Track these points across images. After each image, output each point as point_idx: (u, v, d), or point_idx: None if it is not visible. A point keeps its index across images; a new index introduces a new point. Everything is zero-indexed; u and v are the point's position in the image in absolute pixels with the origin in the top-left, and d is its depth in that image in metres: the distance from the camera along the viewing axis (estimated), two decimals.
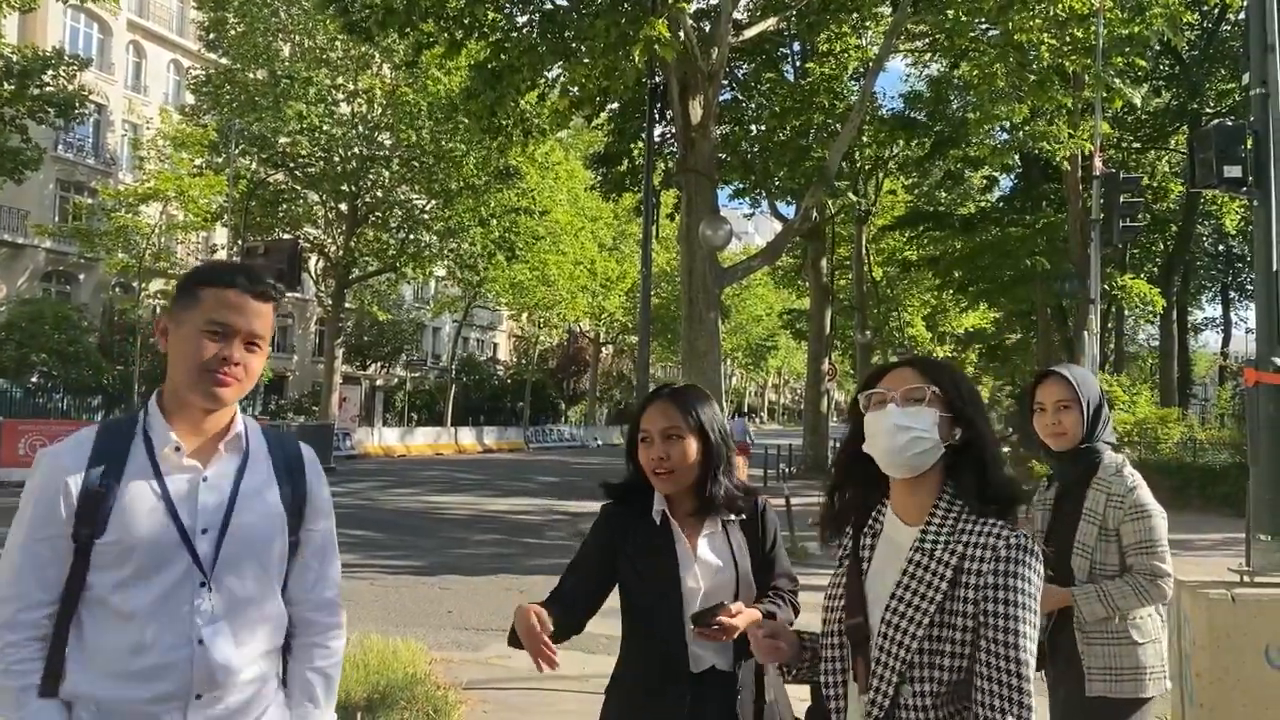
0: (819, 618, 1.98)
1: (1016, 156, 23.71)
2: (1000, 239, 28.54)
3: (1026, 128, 20.74)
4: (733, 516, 2.52)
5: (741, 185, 23.04)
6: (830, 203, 24.26)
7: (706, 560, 2.46)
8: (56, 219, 36.51)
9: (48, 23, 34.65)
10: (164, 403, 1.92)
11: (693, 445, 2.45)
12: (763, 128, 20.43)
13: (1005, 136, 22.88)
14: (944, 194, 35.70)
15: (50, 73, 24.04)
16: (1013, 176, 31.89)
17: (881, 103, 25.46)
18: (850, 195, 22.87)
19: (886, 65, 16.69)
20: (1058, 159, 23.54)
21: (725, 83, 18.62)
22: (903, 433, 1.84)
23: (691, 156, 15.54)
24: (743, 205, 27.46)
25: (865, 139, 22.08)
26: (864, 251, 33.82)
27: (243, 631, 1.91)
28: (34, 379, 32.23)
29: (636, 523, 2.49)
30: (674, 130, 17.50)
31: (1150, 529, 3.06)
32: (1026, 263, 26.98)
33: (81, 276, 38.46)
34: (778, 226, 21.36)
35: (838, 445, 2.16)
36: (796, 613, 2.57)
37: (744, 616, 2.35)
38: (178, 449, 1.88)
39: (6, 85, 23.30)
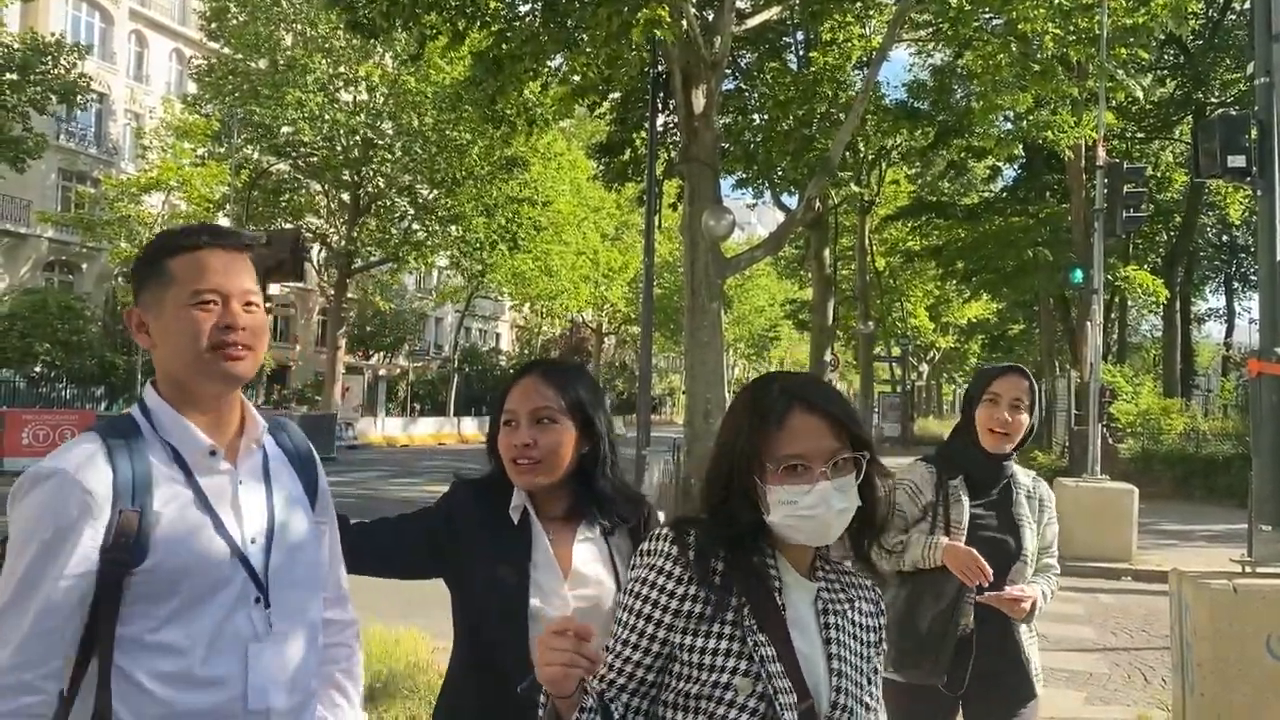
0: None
1: (1020, 146, 23.61)
2: (1003, 229, 28.49)
3: (1030, 117, 20.67)
4: (615, 522, 2.09)
5: (744, 175, 22.98)
6: (833, 193, 24.21)
7: (580, 573, 2.01)
8: (59, 208, 36.50)
9: (49, 11, 34.57)
10: (167, 399, 1.66)
11: (569, 432, 2.02)
12: (765, 117, 20.36)
13: (1009, 126, 22.80)
14: (947, 184, 35.63)
15: (52, 61, 24.01)
16: (1016, 166, 31.82)
17: (885, 92, 25.31)
18: (853, 186, 22.79)
19: (890, 55, 16.65)
20: (1061, 149, 23.46)
21: (728, 72, 18.55)
22: (844, 515, 1.60)
23: (694, 146, 15.49)
24: (745, 195, 27.37)
25: (868, 129, 22.00)
26: (867, 242, 33.80)
27: (296, 647, 1.71)
28: (37, 369, 32.27)
29: (487, 520, 2.03)
30: (676, 120, 17.45)
31: (1058, 530, 3.18)
32: (1029, 253, 26.92)
33: (84, 266, 38.47)
34: (780, 217, 21.34)
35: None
36: None
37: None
38: (213, 453, 1.65)
39: (8, 74, 23.27)
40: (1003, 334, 49.35)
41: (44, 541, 1.50)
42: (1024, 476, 3.13)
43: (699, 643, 1.56)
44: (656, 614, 1.57)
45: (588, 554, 2.04)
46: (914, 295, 46.33)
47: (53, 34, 26.17)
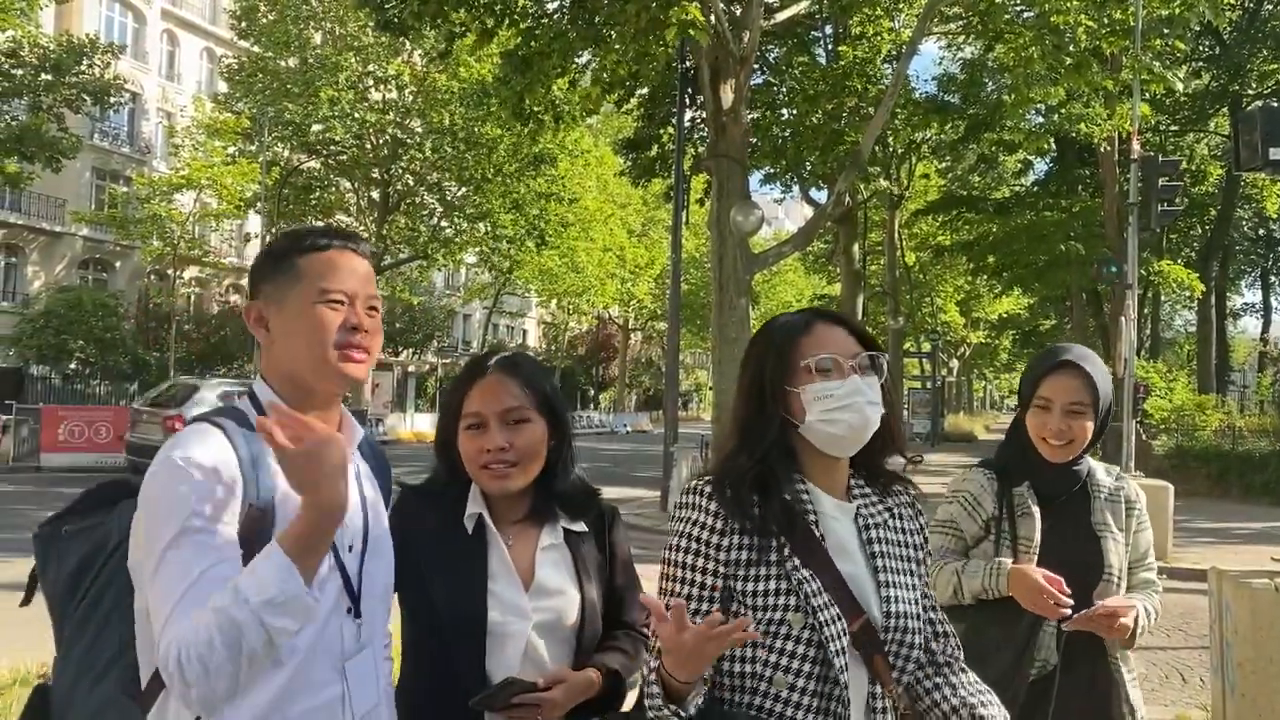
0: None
1: (1052, 140, 23.37)
2: (1035, 223, 28.24)
3: (1062, 110, 20.44)
4: (578, 526, 1.95)
5: (772, 170, 22.88)
6: (862, 187, 24.05)
7: (543, 583, 1.87)
8: (93, 207, 36.96)
9: (83, 12, 34.98)
10: (281, 396, 1.60)
11: (541, 430, 1.90)
12: (794, 112, 20.26)
13: (1041, 120, 22.56)
14: (978, 178, 35.33)
15: (85, 61, 24.27)
16: (1048, 160, 31.51)
17: (915, 86, 25.17)
18: (883, 180, 22.63)
19: (920, 48, 16.50)
20: (1094, 142, 23.20)
21: (756, 67, 18.47)
22: (876, 408, 1.68)
23: (722, 141, 15.44)
24: (773, 190, 27.25)
25: (898, 123, 21.82)
26: (896, 237, 33.57)
27: (382, 660, 1.69)
28: (72, 366, 32.71)
29: (439, 529, 1.88)
30: (704, 115, 17.39)
31: (1151, 539, 2.66)
32: (1061, 247, 26.67)
33: (118, 264, 38.95)
34: (808, 212, 21.22)
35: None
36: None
37: (565, 688, 1.80)
38: None
39: (44, 75, 23.55)
40: (1034, 329, 48.95)
41: (194, 528, 1.43)
42: (1104, 475, 2.61)
43: (750, 586, 1.62)
44: (709, 564, 1.64)
45: (550, 562, 1.90)
46: (944, 290, 46.02)
47: (86, 34, 26.46)
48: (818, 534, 1.65)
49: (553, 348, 54.59)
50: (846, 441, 1.68)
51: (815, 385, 1.66)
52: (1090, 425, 2.47)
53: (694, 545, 1.65)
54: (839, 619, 1.60)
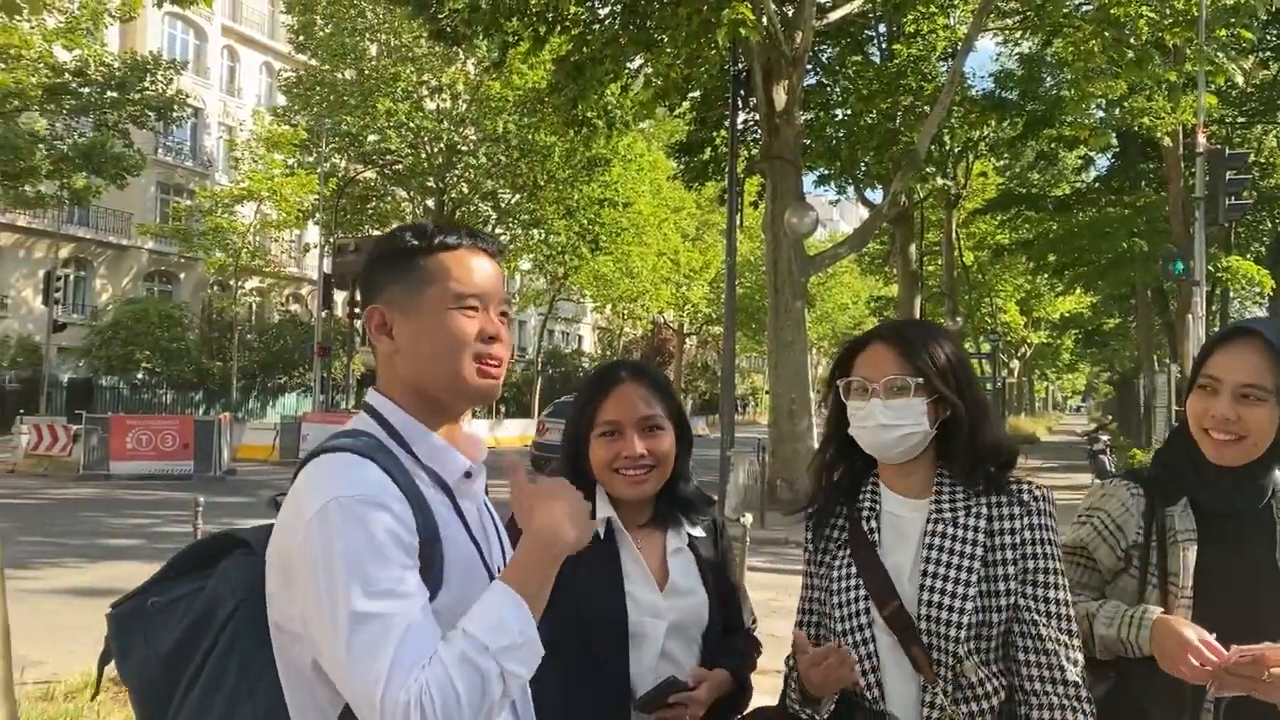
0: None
1: (1113, 135, 22.88)
2: (1097, 220, 27.65)
3: (1124, 105, 19.99)
4: (698, 530, 2.06)
5: (826, 171, 22.70)
6: (918, 187, 23.77)
7: (676, 583, 1.95)
8: (158, 220, 37.86)
9: (146, 30, 35.86)
10: (409, 411, 1.45)
11: (672, 437, 2.01)
12: (848, 112, 20.08)
13: (1101, 114, 22.09)
14: (1037, 175, 34.69)
15: (149, 78, 24.84)
16: (1109, 155, 30.84)
17: (971, 83, 24.80)
18: (940, 179, 22.33)
19: (976, 44, 16.24)
20: (1158, 136, 22.66)
21: (809, 67, 18.35)
22: (889, 430, 1.80)
23: (776, 143, 15.35)
24: (828, 192, 27.10)
25: (954, 121, 21.53)
26: (954, 236, 33.09)
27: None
28: (139, 376, 33.54)
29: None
30: (757, 117, 17.30)
31: None
32: (1125, 244, 26.07)
33: (182, 275, 39.84)
34: (863, 213, 21.03)
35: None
36: (759, 653, 2.12)
37: (708, 686, 1.89)
38: (468, 474, 1.48)
39: (109, 92, 24.14)
40: (1097, 328, 47.98)
41: (385, 575, 1.25)
42: None
43: (828, 572, 1.88)
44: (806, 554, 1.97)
45: (680, 563, 2.00)
46: (1003, 290, 45.29)
47: (150, 52, 27.10)
48: (866, 528, 1.84)
49: (608, 353, 54.69)
50: (875, 453, 1.85)
51: (849, 403, 1.86)
52: (1267, 414, 1.85)
53: (807, 534, 1.97)
54: (865, 603, 1.78)
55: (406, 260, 1.46)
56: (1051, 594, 1.75)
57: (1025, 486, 1.81)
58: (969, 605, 1.73)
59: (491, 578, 1.38)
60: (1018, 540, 1.78)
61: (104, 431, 19.10)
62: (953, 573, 1.76)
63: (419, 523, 1.31)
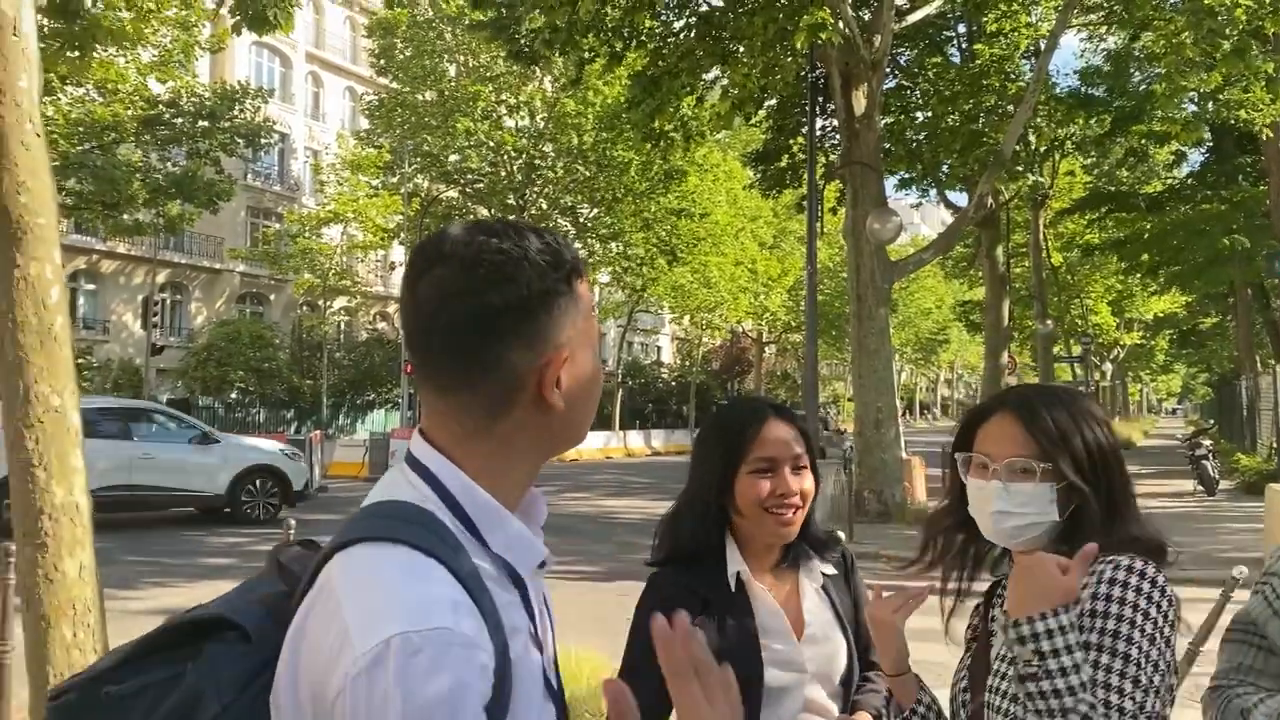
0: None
1: (1207, 129, 22.08)
2: (1192, 217, 26.70)
3: (1219, 97, 19.28)
4: (829, 569, 1.97)
5: (907, 175, 22.37)
6: (1004, 188, 23.27)
7: (814, 633, 1.87)
8: (248, 244, 39.03)
9: (234, 60, 37.04)
10: (505, 478, 1.07)
11: (812, 477, 1.93)
12: (929, 114, 19.77)
13: (1194, 108, 21.36)
14: (1126, 173, 33.70)
15: (238, 107, 25.60)
16: (1203, 150, 29.79)
17: (1056, 80, 24.22)
18: (1029, 177, 21.81)
19: (1060, 41, 15.82)
20: (1255, 129, 21.81)
21: (888, 71, 18.11)
22: (1007, 518, 1.57)
23: (855, 148, 15.16)
24: (909, 195, 26.62)
25: (1040, 120, 21.01)
26: (1041, 237, 32.29)
27: None
28: (233, 395, 34.55)
29: (702, 591, 1.82)
30: (835, 123, 17.12)
31: None
32: (1224, 241, 25.13)
33: (272, 297, 40.95)
34: (945, 216, 20.64)
35: None
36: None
37: None
38: (542, 564, 1.12)
39: (200, 121, 24.93)
40: (1193, 328, 46.42)
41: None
42: None
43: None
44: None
45: (816, 609, 1.90)
46: (1094, 291, 44.07)
47: (238, 81, 27.96)
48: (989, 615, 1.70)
49: (687, 363, 54.61)
50: (992, 539, 1.65)
51: (969, 480, 1.65)
52: None
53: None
54: (965, 695, 1.66)
55: (560, 285, 1.07)
56: (1107, 678, 1.40)
57: (1113, 558, 1.49)
58: (1008, 705, 1.52)
59: (550, 687, 1.06)
60: (1081, 609, 1.47)
61: None
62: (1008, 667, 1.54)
63: (494, 649, 0.94)
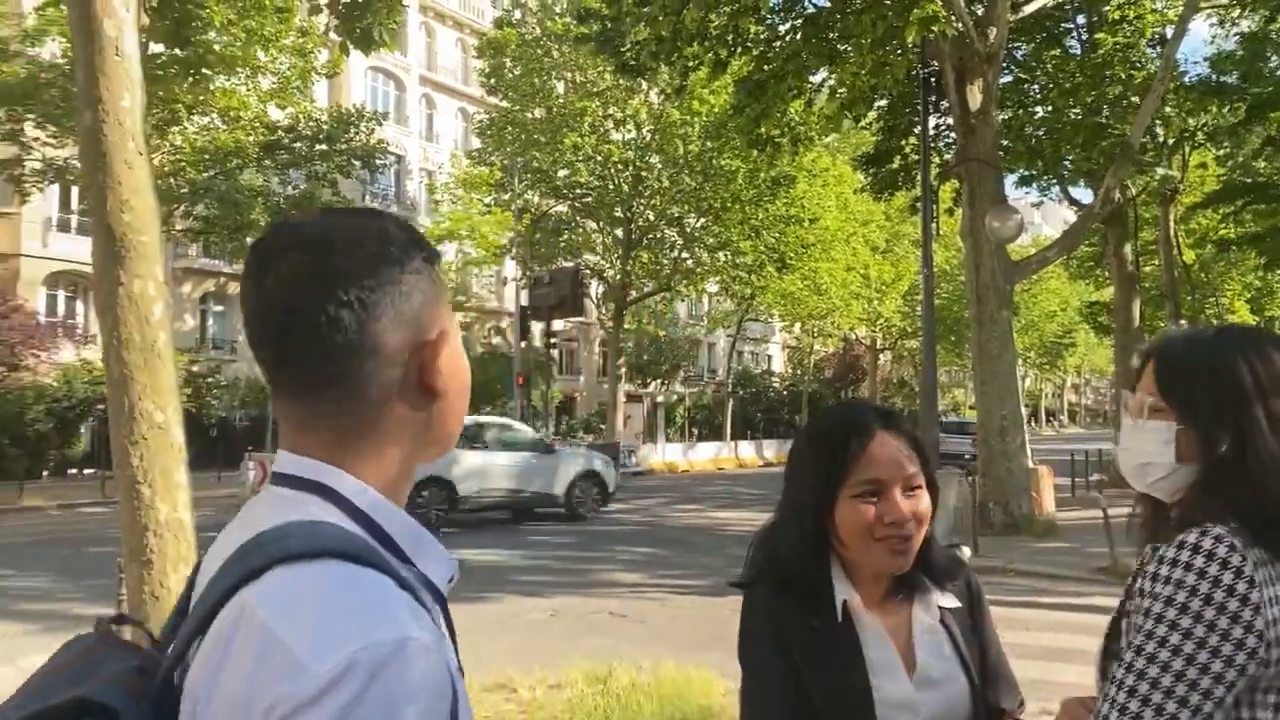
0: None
1: None
2: None
3: None
4: (950, 600, 1.68)
5: (1027, 172, 21.56)
6: (1131, 182, 22.23)
7: (929, 674, 1.60)
8: None
9: (350, 84, 38.23)
10: (396, 484, 0.96)
11: (928, 497, 1.64)
12: (1049, 108, 19.00)
13: None
14: (1264, 163, 31.87)
15: (354, 130, 26.35)
16: None
17: (1184, 69, 23.02)
18: (1159, 170, 20.76)
19: (1189, 27, 15.00)
20: None
21: (1004, 66, 17.49)
22: (1129, 455, 1.49)
23: (972, 145, 14.63)
24: (1029, 194, 25.69)
25: (1169, 110, 20.00)
26: (1172, 233, 30.75)
27: None
28: None
29: (806, 620, 1.58)
30: (949, 121, 16.59)
31: None
32: None
33: None
34: (1068, 214, 19.78)
35: None
36: None
37: None
38: (451, 578, 0.99)
39: (318, 145, 25.73)
40: None
41: None
42: None
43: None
44: None
45: (932, 646, 1.62)
46: (1231, 289, 41.86)
47: (354, 105, 28.79)
48: None
49: (798, 372, 53.92)
50: (1126, 476, 1.57)
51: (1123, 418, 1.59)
52: None
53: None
54: None
55: (432, 265, 0.98)
56: (1121, 678, 1.25)
57: (1190, 536, 1.29)
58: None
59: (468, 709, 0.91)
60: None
61: None
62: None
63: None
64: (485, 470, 16.52)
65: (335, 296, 0.88)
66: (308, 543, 0.83)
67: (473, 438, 16.70)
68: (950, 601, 1.66)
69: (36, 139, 21.95)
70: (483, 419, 19.19)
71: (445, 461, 15.24)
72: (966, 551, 5.24)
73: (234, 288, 36.46)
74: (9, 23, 22.20)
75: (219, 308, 36.63)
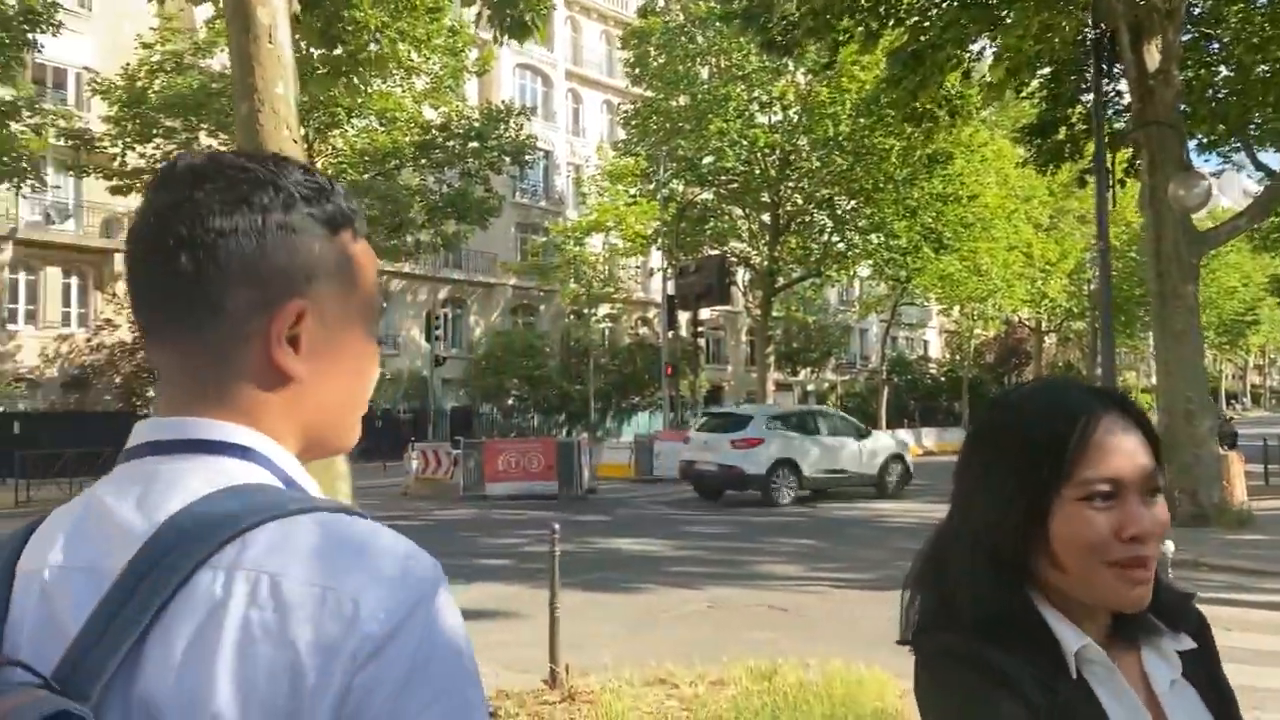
0: None
1: None
2: None
3: None
4: (1185, 643, 1.22)
5: (1207, 138, 20.01)
6: None
7: None
8: (518, 258, 40.96)
9: (499, 81, 38.97)
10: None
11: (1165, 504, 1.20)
12: (1234, 65, 17.56)
13: None
14: None
15: (503, 126, 26.79)
16: None
17: None
18: None
19: None
20: None
21: (1182, 23, 16.25)
22: None
23: (1150, 108, 13.62)
24: (1208, 162, 23.90)
25: None
26: None
27: None
28: (509, 402, 36.33)
29: (1035, 680, 1.09)
30: (1116, 88, 15.55)
31: None
32: None
33: (541, 307, 42.71)
34: (1248, 184, 18.24)
35: None
36: None
37: None
38: None
39: (470, 142, 26.28)
40: None
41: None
42: None
43: None
44: None
45: (1182, 703, 1.19)
46: None
47: (502, 101, 29.25)
48: None
49: (957, 357, 52.09)
50: None
51: None
52: None
53: None
54: None
55: (328, 230, 0.88)
56: None
57: None
58: None
59: None
60: None
61: (479, 455, 20.61)
62: None
63: None
64: (821, 453, 19.25)
65: (191, 238, 0.81)
66: (277, 504, 0.77)
67: (808, 427, 19.67)
68: (1185, 644, 1.22)
69: (209, 147, 23.17)
70: (814, 408, 23.13)
71: (795, 447, 18.86)
72: (1170, 546, 4.72)
73: (395, 284, 37.76)
74: (182, 37, 23.46)
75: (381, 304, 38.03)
